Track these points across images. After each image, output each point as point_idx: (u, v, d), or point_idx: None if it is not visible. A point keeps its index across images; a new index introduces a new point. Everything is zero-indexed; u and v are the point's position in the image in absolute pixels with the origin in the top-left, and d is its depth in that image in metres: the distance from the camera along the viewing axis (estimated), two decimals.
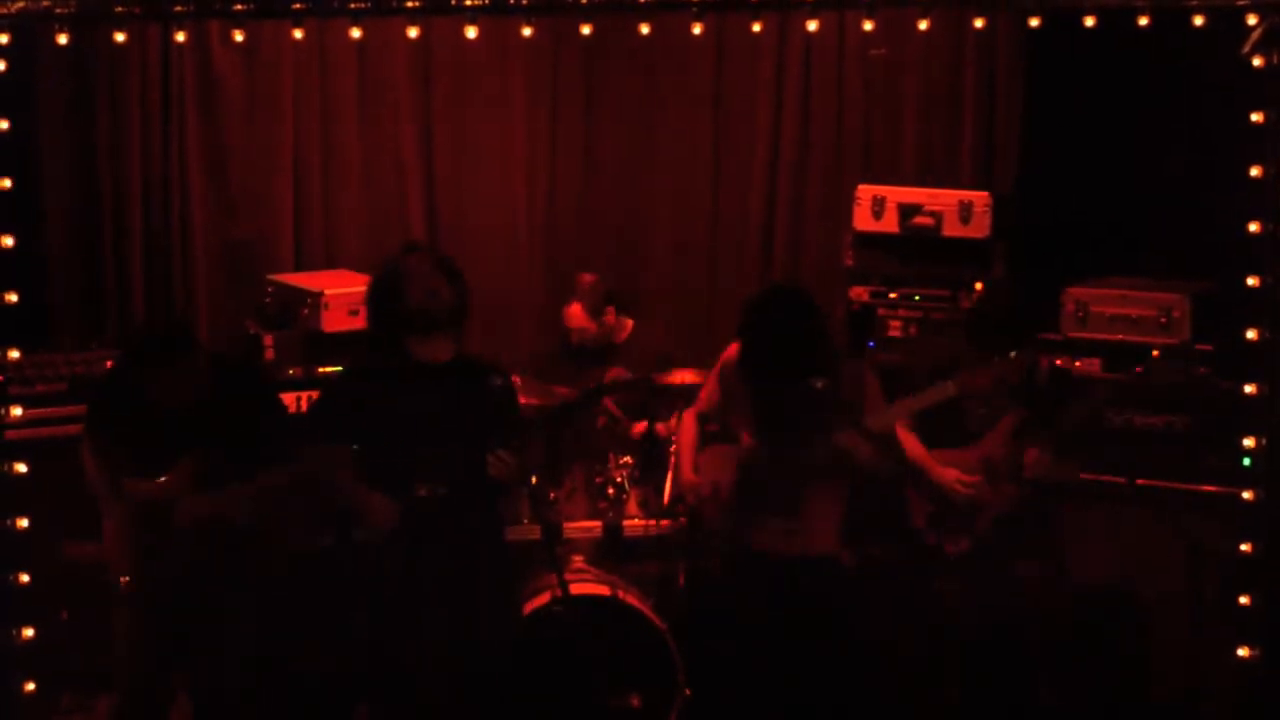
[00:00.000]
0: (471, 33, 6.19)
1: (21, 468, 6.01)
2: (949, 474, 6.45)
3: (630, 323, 7.92)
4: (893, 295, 7.97)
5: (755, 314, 6.11)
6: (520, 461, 5.85)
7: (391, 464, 5.87)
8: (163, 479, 6.02)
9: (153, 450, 6.03)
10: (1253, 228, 5.98)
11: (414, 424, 5.87)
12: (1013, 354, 6.21)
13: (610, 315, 7.83)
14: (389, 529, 5.86)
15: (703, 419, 6.54)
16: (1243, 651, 6.09)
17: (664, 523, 7.05)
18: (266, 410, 6.23)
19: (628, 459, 7.18)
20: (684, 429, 6.57)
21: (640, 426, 7.37)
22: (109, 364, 6.96)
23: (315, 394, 6.67)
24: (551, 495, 7.05)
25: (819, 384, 5.91)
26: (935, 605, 6.58)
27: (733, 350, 6.27)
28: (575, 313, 7.80)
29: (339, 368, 7.68)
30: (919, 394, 6.18)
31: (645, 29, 6.33)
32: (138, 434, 6.05)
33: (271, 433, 6.10)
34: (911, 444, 6.51)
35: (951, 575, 6.48)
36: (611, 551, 7.12)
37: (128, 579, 6.02)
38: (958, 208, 7.93)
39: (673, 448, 6.91)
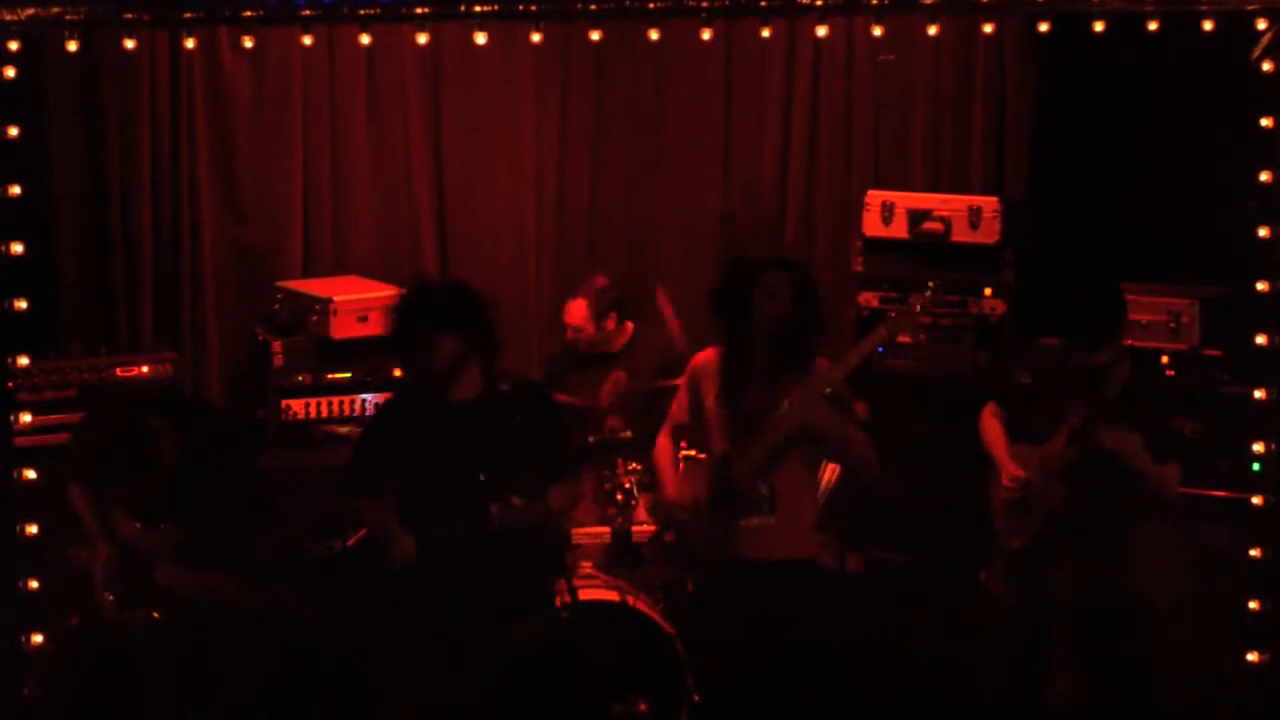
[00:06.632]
0: (481, 38, 6.20)
1: (31, 474, 6.01)
2: (1007, 471, 6.42)
3: (631, 326, 7.86)
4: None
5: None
6: (527, 509, 5.85)
7: (414, 500, 5.94)
8: (147, 531, 6.27)
9: (142, 495, 6.28)
10: (1262, 233, 5.98)
11: (436, 461, 5.90)
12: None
13: (611, 322, 7.76)
14: (407, 562, 5.91)
15: (677, 433, 6.30)
16: (1252, 656, 6.09)
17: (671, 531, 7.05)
18: (251, 479, 6.49)
19: (636, 465, 7.17)
20: (659, 449, 6.31)
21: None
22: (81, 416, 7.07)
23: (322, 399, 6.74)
24: None
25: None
26: (977, 597, 6.61)
27: (701, 358, 6.13)
28: (576, 309, 7.72)
29: (348, 375, 7.76)
30: (852, 349, 6.04)
31: (654, 34, 6.33)
32: (129, 482, 6.30)
33: (254, 501, 6.38)
34: (992, 433, 6.51)
35: (1002, 569, 6.48)
36: (620, 557, 7.11)
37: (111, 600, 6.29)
38: (967, 213, 7.94)
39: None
